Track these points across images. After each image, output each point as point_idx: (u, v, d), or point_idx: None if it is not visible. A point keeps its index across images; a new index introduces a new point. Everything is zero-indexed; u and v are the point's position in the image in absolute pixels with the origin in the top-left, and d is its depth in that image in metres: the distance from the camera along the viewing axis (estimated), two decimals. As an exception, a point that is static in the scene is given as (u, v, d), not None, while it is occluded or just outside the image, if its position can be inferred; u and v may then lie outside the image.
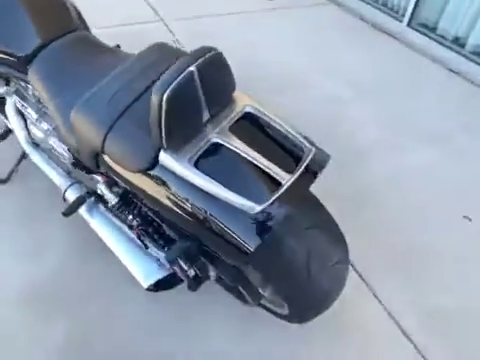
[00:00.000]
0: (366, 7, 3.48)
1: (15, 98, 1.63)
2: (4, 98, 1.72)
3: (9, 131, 1.83)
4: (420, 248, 1.77)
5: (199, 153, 0.99)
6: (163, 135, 0.94)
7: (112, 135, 1.07)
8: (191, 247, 1.09)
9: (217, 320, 1.51)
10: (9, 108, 1.69)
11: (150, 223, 1.32)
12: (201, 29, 3.18)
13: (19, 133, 1.70)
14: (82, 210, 1.51)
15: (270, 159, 0.98)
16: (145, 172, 1.04)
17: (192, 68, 0.92)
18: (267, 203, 0.92)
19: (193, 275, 1.22)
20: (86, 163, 1.25)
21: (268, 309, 1.45)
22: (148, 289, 1.38)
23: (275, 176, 0.95)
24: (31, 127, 1.65)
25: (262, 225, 0.93)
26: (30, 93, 1.52)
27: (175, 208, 1.02)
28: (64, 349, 1.42)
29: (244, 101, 1.09)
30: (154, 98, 0.90)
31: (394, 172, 2.10)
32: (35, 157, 1.69)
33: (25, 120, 1.69)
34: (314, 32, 3.24)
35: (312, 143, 1.04)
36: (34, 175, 1.84)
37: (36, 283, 1.59)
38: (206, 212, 0.97)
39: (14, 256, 1.66)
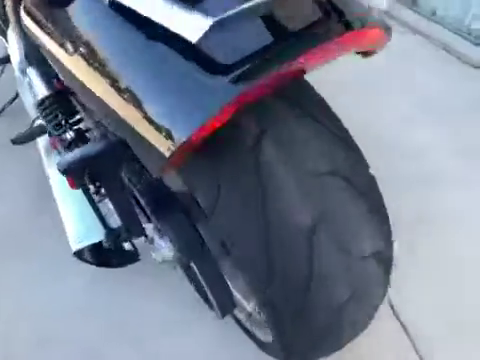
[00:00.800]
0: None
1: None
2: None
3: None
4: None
5: None
6: None
7: None
8: (103, 153, 0.63)
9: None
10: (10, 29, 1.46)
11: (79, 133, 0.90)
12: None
13: (13, 57, 1.45)
14: (40, 145, 1.18)
15: None
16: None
17: None
18: (221, 17, 0.44)
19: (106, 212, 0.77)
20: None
21: (245, 329, 0.94)
22: (80, 258, 0.96)
23: None
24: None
25: (208, 106, 0.48)
26: None
27: (91, 78, 0.60)
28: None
29: None
30: None
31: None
32: (21, 84, 1.42)
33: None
34: (396, 59, 2.72)
35: None
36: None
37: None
38: (123, 78, 0.54)
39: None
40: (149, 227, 0.87)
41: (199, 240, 0.76)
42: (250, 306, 0.95)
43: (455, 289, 1.17)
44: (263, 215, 0.57)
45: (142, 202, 0.77)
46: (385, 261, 0.66)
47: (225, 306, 0.80)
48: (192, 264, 0.80)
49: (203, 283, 0.79)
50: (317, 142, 0.61)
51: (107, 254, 0.98)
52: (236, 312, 0.95)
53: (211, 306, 0.88)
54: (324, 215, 0.58)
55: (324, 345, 0.69)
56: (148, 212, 0.77)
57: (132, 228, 0.75)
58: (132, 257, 0.99)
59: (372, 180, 0.66)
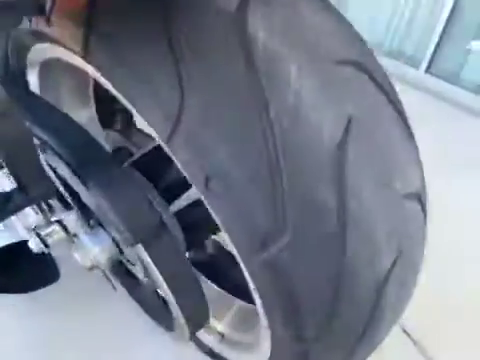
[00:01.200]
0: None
1: None
2: None
3: None
4: None
5: None
6: None
7: None
8: None
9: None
10: None
11: None
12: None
13: None
14: None
15: None
16: None
17: None
18: None
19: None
20: None
21: (216, 356, 0.67)
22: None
23: None
24: None
25: None
26: None
27: None
28: None
29: None
30: None
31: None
32: None
33: None
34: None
35: None
36: None
37: None
38: None
39: None
40: (70, 217, 0.60)
41: (157, 217, 0.49)
42: (221, 325, 0.69)
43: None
44: (264, 125, 0.35)
45: (53, 157, 0.48)
46: (424, 204, 0.46)
47: (197, 318, 0.53)
48: (144, 259, 0.52)
49: (161, 287, 0.51)
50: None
51: (7, 273, 0.68)
52: (201, 335, 0.67)
53: (168, 324, 0.59)
54: (354, 122, 0.37)
55: (359, 344, 0.45)
56: (65, 174, 0.48)
57: (29, 182, 0.43)
58: (49, 275, 0.69)
59: (388, 78, 0.47)
